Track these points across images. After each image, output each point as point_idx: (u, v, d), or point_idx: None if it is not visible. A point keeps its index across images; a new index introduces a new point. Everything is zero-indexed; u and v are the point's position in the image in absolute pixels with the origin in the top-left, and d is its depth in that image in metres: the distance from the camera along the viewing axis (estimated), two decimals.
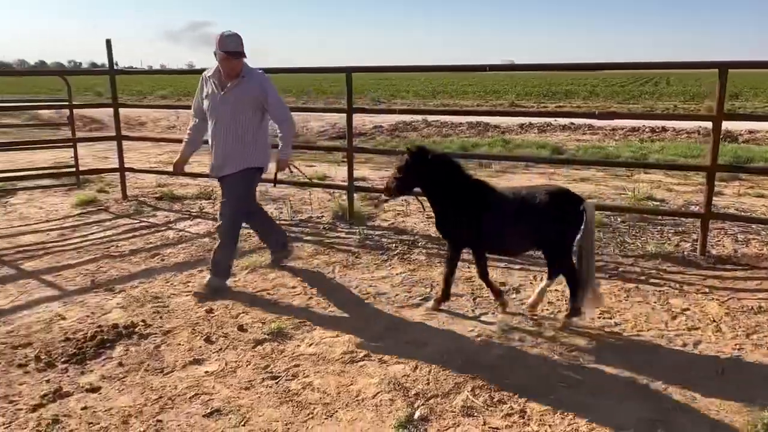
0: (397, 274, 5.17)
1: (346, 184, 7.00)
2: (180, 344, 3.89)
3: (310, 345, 3.88)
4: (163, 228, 6.72)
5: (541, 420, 3.04)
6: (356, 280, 5.03)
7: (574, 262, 3.95)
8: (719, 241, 5.89)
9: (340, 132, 16.01)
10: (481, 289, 4.73)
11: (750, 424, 2.92)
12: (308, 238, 6.27)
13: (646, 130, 15.78)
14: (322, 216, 7.16)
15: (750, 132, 14.68)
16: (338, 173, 9.22)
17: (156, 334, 4.04)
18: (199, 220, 7.05)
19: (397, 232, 6.48)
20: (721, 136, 5.41)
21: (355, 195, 6.99)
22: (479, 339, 3.93)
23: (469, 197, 4.10)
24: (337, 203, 7.24)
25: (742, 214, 6.68)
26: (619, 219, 6.65)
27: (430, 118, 18.93)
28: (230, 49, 4.43)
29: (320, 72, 7.59)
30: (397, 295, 4.71)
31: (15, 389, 3.36)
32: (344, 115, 7.00)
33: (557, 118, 18.22)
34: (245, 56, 4.61)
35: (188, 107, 6.36)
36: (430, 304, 4.43)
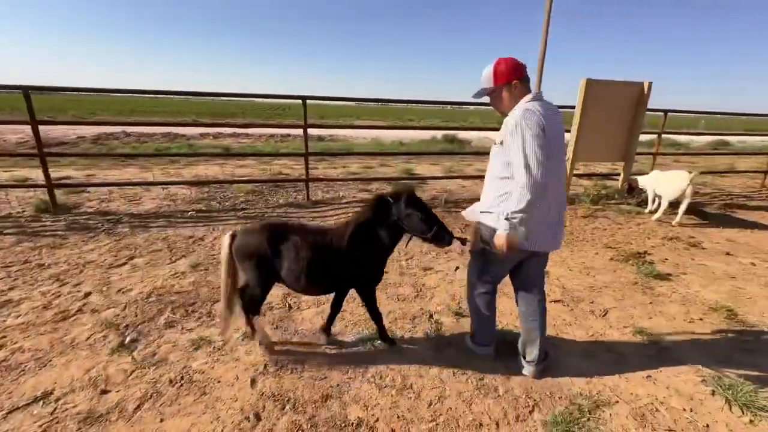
0: (104, 245, 4.09)
1: (45, 182, 5.09)
2: None
3: (18, 317, 2.77)
4: None
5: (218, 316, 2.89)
6: (65, 256, 3.78)
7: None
8: (315, 193, 6.53)
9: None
10: (176, 243, 4.15)
11: None
12: (11, 231, 4.39)
13: (278, 136, 16.17)
14: (24, 211, 5.08)
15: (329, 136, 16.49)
16: (39, 175, 6.65)
17: None
18: None
19: (102, 214, 5.09)
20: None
21: (62, 189, 5.17)
22: (174, 276, 3.46)
23: None
24: (37, 198, 5.22)
25: (327, 177, 7.49)
26: (264, 187, 6.71)
27: (129, 129, 15.31)
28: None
29: None
30: (105, 260, 3.74)
31: None
32: (29, 126, 4.90)
33: (226, 128, 17.02)
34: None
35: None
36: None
